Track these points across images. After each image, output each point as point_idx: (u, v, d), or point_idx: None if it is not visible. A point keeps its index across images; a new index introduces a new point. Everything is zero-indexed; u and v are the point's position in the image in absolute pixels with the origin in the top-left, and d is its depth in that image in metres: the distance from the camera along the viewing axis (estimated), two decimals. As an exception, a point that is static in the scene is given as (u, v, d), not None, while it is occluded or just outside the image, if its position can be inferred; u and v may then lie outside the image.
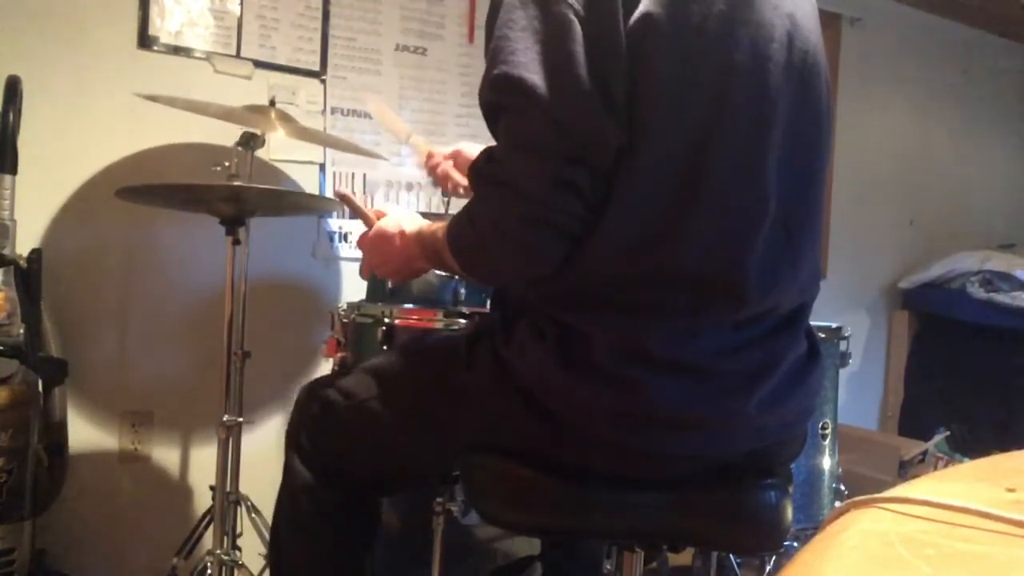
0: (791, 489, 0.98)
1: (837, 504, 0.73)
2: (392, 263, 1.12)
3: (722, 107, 0.85)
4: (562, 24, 0.82)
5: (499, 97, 0.86)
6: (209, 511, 1.73)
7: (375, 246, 1.12)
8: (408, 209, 1.53)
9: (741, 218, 0.87)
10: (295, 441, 1.15)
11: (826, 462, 1.68)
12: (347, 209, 2.19)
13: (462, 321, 1.38)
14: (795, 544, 1.57)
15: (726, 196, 0.86)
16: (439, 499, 1.29)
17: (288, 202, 1.84)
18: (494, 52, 0.85)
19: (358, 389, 1.08)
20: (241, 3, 2.03)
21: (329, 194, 2.17)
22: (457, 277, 1.58)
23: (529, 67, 0.82)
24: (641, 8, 0.83)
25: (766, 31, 0.88)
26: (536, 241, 0.85)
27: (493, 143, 0.90)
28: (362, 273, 1.22)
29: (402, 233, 1.08)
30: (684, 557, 1.48)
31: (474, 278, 1.10)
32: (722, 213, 0.86)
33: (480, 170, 0.89)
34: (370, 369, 1.11)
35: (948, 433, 2.73)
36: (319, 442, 1.12)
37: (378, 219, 1.14)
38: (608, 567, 1.37)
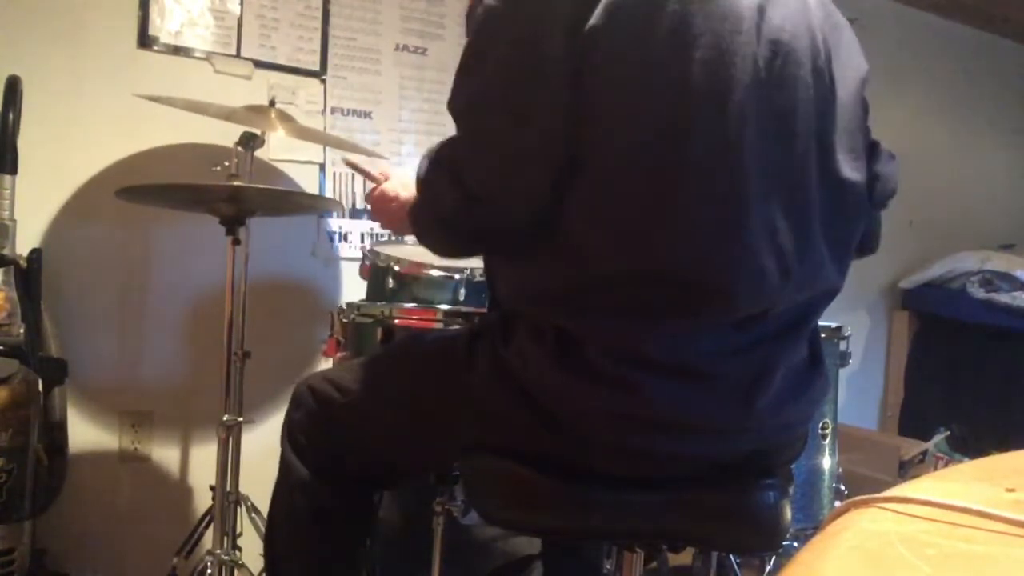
0: (791, 489, 0.98)
1: (837, 504, 0.73)
2: (392, 223, 1.27)
3: (683, 108, 0.83)
4: (497, 59, 0.87)
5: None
6: (209, 511, 1.73)
7: (378, 205, 1.27)
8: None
9: (721, 219, 0.85)
10: (291, 437, 1.15)
11: (826, 462, 1.67)
12: (347, 210, 2.22)
13: (461, 321, 1.38)
14: (795, 544, 1.56)
15: (701, 197, 0.84)
16: (439, 499, 1.29)
17: (288, 202, 1.84)
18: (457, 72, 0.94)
19: (355, 386, 1.08)
20: (241, 3, 2.03)
21: (329, 194, 2.17)
22: (457, 277, 1.59)
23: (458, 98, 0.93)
24: (591, 21, 0.82)
25: (731, 23, 0.84)
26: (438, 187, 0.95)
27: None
28: (362, 273, 1.23)
29: (397, 197, 1.22)
30: (684, 557, 1.48)
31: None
32: (700, 214, 0.84)
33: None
34: (367, 366, 1.11)
35: (948, 433, 2.73)
36: (315, 439, 1.12)
37: (385, 179, 1.29)
38: (608, 567, 1.37)
